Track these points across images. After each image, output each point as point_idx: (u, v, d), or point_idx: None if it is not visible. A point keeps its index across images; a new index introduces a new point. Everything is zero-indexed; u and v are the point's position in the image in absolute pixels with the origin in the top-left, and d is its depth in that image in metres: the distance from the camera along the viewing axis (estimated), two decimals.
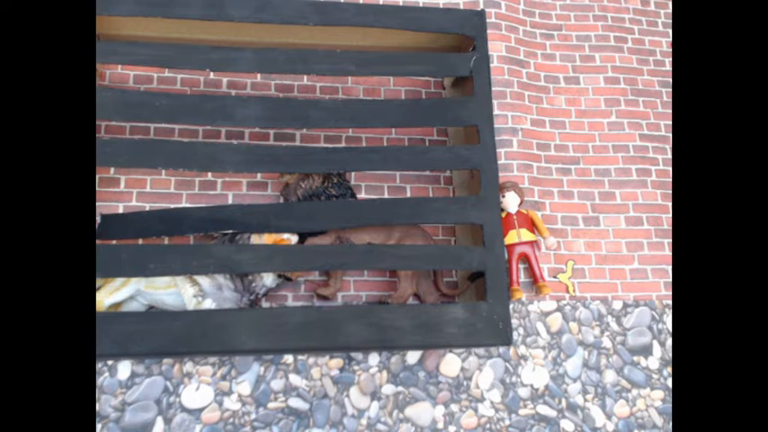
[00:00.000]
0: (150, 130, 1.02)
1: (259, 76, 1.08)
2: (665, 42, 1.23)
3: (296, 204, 0.91)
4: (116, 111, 0.87)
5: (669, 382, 1.01)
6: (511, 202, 1.00)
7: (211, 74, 1.07)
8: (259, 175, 1.01)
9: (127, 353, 0.79)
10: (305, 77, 1.09)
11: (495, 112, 1.06)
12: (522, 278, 1.02)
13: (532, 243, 1.00)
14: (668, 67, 1.21)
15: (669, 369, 1.02)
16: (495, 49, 1.14)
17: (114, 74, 1.05)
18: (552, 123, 1.14)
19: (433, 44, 1.05)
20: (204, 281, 0.90)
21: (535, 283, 1.00)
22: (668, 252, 1.08)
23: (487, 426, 0.94)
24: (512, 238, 0.99)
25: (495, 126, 1.07)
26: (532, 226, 1.01)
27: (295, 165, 0.91)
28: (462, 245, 0.99)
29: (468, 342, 0.86)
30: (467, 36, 1.00)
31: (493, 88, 1.09)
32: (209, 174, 1.01)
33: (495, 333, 0.86)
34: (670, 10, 1.26)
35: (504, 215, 0.99)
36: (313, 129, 1.00)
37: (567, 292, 1.03)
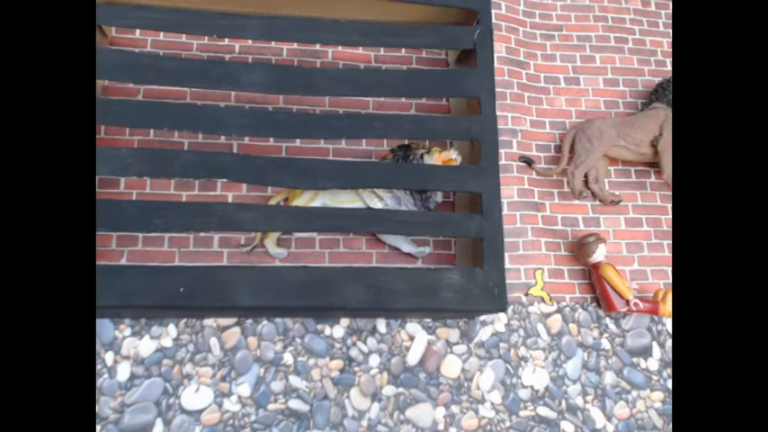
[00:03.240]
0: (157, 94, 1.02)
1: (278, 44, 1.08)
2: (666, 43, 1.23)
3: (296, 159, 0.91)
4: (124, 72, 0.89)
5: (669, 384, 1.01)
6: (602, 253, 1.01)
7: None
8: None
9: (129, 305, 0.80)
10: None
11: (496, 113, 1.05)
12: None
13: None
14: (669, 67, 1.21)
15: (669, 370, 1.02)
16: (496, 50, 1.13)
17: (125, 39, 1.06)
18: (552, 124, 1.14)
19: (435, 19, 1.05)
20: (386, 195, 0.95)
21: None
22: (668, 253, 1.08)
23: (488, 427, 0.94)
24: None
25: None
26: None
27: (297, 130, 0.91)
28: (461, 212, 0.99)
29: (463, 307, 0.87)
30: (470, 9, 1.01)
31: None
32: None
33: (490, 299, 0.87)
34: (670, 10, 1.26)
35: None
36: (316, 95, 1.01)
37: (544, 301, 1.03)
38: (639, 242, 1.09)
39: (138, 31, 1.06)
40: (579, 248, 1.02)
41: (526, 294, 1.02)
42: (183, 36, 1.06)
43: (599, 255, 1.00)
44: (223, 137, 1.02)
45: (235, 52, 1.08)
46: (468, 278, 0.87)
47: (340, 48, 1.11)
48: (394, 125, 0.93)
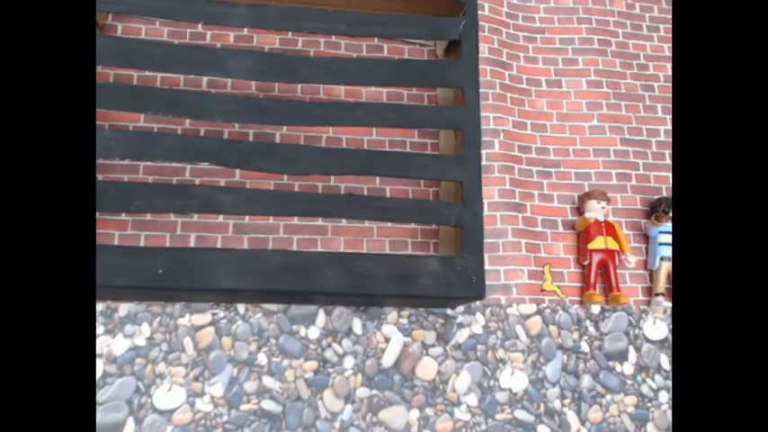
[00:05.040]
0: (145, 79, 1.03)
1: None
2: (650, 46, 1.23)
3: (278, 145, 0.93)
4: (110, 56, 0.90)
5: (643, 388, 1.00)
6: (599, 209, 1.04)
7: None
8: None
9: (109, 285, 0.80)
10: (299, 41, 1.12)
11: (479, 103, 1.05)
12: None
13: (615, 252, 1.03)
14: (652, 71, 1.21)
15: (643, 375, 1.01)
16: (479, 50, 1.13)
17: (112, 25, 1.07)
18: (534, 126, 1.13)
19: (423, 11, 1.06)
20: None
21: (610, 291, 1.02)
22: (646, 257, 1.07)
23: (463, 430, 0.93)
24: (598, 243, 1.02)
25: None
26: (617, 237, 1.04)
27: (280, 117, 0.92)
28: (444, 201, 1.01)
29: (441, 294, 0.87)
30: (457, 1, 1.02)
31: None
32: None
33: (468, 287, 0.88)
34: (655, 14, 1.26)
35: (593, 221, 1.03)
36: (301, 84, 1.03)
37: (557, 295, 1.03)
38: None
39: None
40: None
41: (542, 290, 1.03)
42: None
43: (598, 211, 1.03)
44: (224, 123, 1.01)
45: (229, 42, 1.09)
46: (447, 266, 0.88)
47: (332, 38, 1.12)
48: (377, 114, 0.95)
